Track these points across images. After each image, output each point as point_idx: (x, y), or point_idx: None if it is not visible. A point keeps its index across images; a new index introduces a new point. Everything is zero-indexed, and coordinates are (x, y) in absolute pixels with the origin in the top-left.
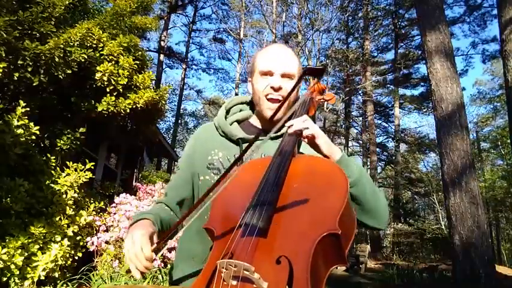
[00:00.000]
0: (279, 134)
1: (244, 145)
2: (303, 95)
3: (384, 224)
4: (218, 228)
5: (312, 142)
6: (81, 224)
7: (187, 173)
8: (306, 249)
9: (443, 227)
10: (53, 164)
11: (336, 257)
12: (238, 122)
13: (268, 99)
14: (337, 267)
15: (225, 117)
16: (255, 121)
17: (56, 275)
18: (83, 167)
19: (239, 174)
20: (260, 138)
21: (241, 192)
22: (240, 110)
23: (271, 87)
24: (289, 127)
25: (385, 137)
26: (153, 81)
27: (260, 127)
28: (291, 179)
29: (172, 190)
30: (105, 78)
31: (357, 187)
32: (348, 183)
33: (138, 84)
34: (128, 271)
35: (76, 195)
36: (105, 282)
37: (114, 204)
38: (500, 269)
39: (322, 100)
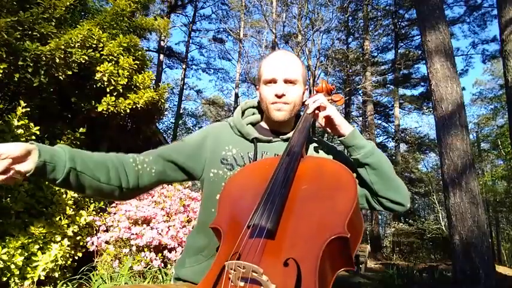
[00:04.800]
0: (289, 136)
1: (259, 144)
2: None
3: (407, 198)
4: (225, 228)
5: (326, 117)
6: (81, 224)
7: (188, 156)
8: (314, 252)
9: (443, 227)
10: None
11: (343, 260)
12: (252, 124)
13: (273, 105)
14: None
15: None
16: (264, 125)
17: (56, 275)
18: None
19: (246, 173)
20: (274, 140)
21: (249, 192)
22: (253, 114)
23: (275, 95)
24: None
25: (385, 137)
26: (153, 81)
27: (269, 130)
28: (300, 180)
29: (168, 149)
30: (105, 79)
31: (373, 156)
32: (356, 184)
33: (138, 84)
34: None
35: (76, 195)
36: (105, 282)
37: (114, 204)
38: (500, 269)
39: (330, 101)
